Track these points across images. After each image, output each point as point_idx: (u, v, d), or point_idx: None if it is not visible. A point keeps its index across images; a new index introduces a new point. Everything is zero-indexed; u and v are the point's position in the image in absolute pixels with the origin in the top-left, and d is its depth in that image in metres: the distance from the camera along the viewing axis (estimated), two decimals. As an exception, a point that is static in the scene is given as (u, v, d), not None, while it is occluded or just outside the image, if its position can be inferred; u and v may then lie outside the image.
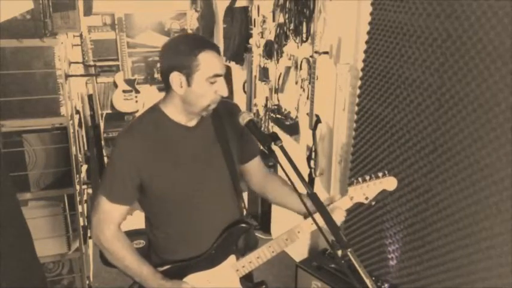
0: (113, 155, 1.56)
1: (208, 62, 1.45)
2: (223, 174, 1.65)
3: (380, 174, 1.54)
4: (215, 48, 1.47)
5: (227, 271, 1.66)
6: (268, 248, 1.61)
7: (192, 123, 1.58)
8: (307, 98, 2.96)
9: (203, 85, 1.46)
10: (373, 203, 1.59)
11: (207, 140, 1.62)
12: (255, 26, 3.88)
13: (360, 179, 1.54)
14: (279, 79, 3.57)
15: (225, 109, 1.61)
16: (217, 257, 1.66)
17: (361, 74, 2.44)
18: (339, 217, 1.55)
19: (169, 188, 1.56)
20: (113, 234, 1.57)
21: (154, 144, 1.53)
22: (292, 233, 1.59)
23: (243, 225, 1.70)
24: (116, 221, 1.58)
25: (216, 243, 1.65)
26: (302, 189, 1.42)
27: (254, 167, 1.78)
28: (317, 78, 2.81)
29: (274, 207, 3.78)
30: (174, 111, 1.55)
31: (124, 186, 1.53)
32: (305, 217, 1.62)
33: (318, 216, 1.36)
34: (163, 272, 1.60)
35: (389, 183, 1.55)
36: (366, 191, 1.55)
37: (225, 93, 1.50)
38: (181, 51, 1.45)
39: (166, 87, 1.52)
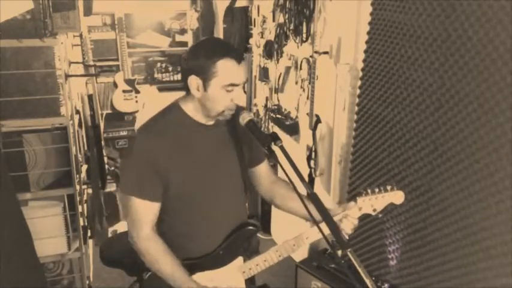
0: (133, 152, 1.57)
1: (226, 71, 1.46)
2: (235, 174, 1.68)
3: (388, 187, 1.56)
4: (236, 57, 1.47)
5: (234, 272, 1.67)
6: (275, 252, 1.62)
7: (209, 122, 1.60)
8: (307, 98, 2.96)
9: (219, 92, 1.48)
10: (380, 215, 1.61)
11: (223, 140, 1.64)
12: (255, 26, 3.88)
13: (369, 191, 1.55)
14: (279, 79, 3.57)
15: (237, 112, 1.61)
16: (225, 258, 1.67)
17: (361, 74, 2.44)
18: (349, 225, 1.56)
19: (185, 184, 1.58)
20: (147, 236, 1.57)
21: (172, 141, 1.55)
22: (299, 239, 1.60)
23: (252, 227, 1.71)
24: (149, 220, 1.57)
25: (224, 243, 1.67)
26: (302, 189, 1.42)
27: (262, 172, 1.80)
28: (317, 78, 2.81)
29: (274, 208, 3.77)
30: (193, 110, 1.58)
31: (150, 181, 1.54)
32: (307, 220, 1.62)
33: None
34: None
35: (397, 197, 1.58)
36: (375, 202, 1.56)
37: (241, 102, 1.53)
38: (201, 56, 1.47)
39: (186, 88, 1.54)
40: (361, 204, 1.55)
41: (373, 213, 1.58)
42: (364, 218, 2.41)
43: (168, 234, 1.66)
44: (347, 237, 1.57)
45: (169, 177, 1.55)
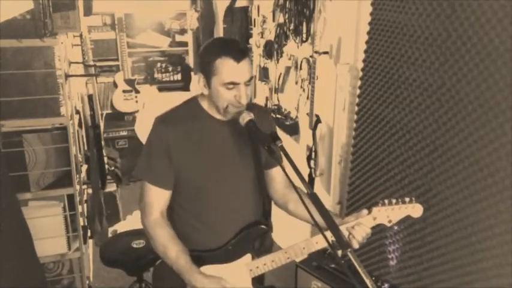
0: (148, 140, 1.63)
1: (224, 70, 1.48)
2: (249, 171, 1.68)
3: (407, 199, 1.53)
4: (234, 56, 1.47)
5: (241, 269, 1.68)
6: (284, 253, 1.62)
7: (225, 118, 1.62)
8: (307, 98, 2.96)
9: (220, 89, 1.51)
10: (396, 227, 1.58)
11: (238, 137, 1.65)
12: (255, 26, 3.88)
13: (385, 201, 1.52)
14: (279, 79, 3.57)
15: (258, 112, 1.61)
16: (233, 254, 1.68)
17: (361, 74, 2.44)
18: (360, 233, 1.53)
19: (196, 176, 1.61)
20: (155, 220, 1.62)
21: (187, 132, 1.59)
22: (310, 243, 1.59)
23: (263, 226, 1.71)
24: (160, 207, 1.63)
25: (234, 239, 1.68)
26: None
27: (276, 176, 1.79)
28: (317, 78, 2.81)
29: (274, 209, 3.77)
30: (208, 106, 1.62)
31: (164, 169, 1.59)
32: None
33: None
34: None
35: (415, 210, 1.55)
36: (391, 213, 1.53)
37: (243, 101, 1.52)
38: (204, 55, 1.53)
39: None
40: (376, 214, 1.52)
41: (388, 225, 1.55)
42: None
43: (179, 224, 1.68)
44: (357, 246, 1.53)
45: (182, 166, 1.59)
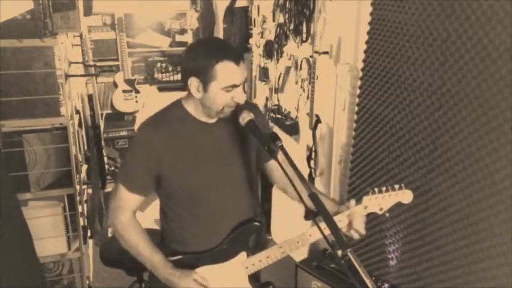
0: (133, 144, 1.62)
1: (225, 73, 1.46)
2: (239, 171, 1.68)
3: (396, 186, 1.54)
4: (234, 58, 1.47)
5: (237, 267, 1.68)
6: (278, 248, 1.62)
7: (211, 120, 1.61)
8: (307, 98, 2.96)
9: (219, 92, 1.49)
10: (387, 214, 1.60)
11: (226, 137, 1.64)
12: (255, 26, 3.88)
13: (376, 190, 1.53)
14: (279, 79, 3.57)
15: (255, 112, 1.60)
16: (228, 253, 1.68)
17: (361, 74, 2.44)
18: (359, 225, 1.55)
19: (185, 180, 1.59)
20: (127, 221, 1.62)
21: (174, 137, 1.57)
22: (303, 236, 1.59)
23: (256, 223, 1.72)
24: (132, 209, 1.63)
25: (228, 238, 1.67)
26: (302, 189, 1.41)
27: (274, 167, 1.77)
28: (317, 78, 2.81)
29: (274, 207, 3.78)
30: (194, 109, 1.59)
31: (142, 176, 1.58)
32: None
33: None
34: (174, 262, 1.63)
35: (405, 196, 1.56)
36: (381, 202, 1.55)
37: (242, 101, 1.52)
38: (200, 59, 1.48)
39: (186, 87, 1.55)
40: (367, 203, 1.54)
41: (380, 213, 1.57)
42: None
43: (175, 230, 1.68)
44: (364, 233, 1.56)
45: (170, 171, 1.57)
